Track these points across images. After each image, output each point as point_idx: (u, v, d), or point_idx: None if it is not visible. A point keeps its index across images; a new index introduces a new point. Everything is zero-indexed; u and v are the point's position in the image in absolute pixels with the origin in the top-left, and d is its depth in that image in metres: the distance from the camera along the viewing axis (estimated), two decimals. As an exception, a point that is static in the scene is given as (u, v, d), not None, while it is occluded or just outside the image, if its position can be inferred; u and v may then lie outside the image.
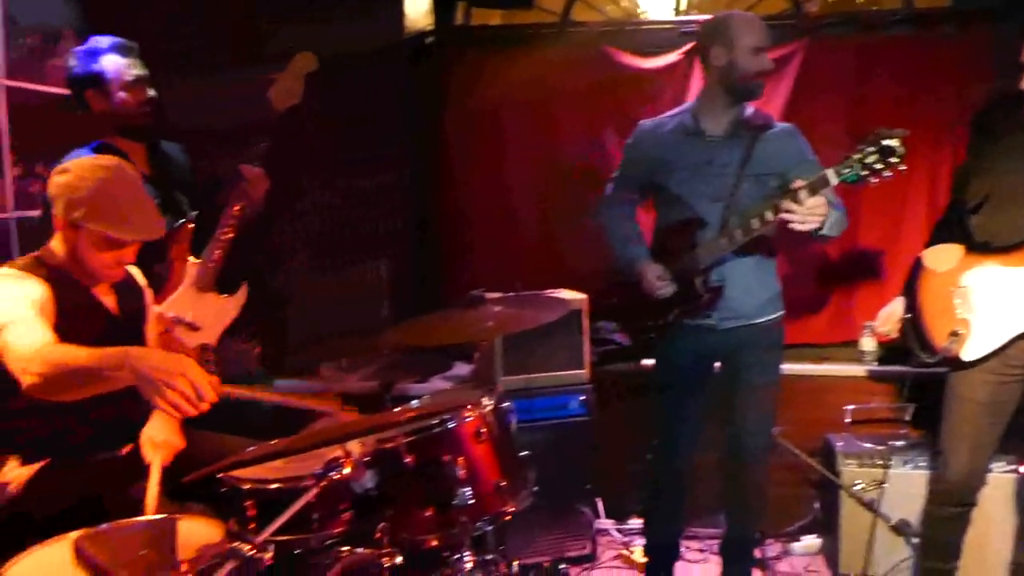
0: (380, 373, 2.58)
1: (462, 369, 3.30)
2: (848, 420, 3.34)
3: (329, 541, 2.05)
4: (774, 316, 2.80)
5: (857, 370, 3.47)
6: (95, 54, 2.71)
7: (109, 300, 2.24)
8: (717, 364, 2.89)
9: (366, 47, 3.08)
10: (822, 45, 3.56)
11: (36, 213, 2.84)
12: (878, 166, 2.41)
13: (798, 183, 2.48)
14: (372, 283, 2.98)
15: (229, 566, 1.49)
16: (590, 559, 3.31)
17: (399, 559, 1.95)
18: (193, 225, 2.85)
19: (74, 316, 2.11)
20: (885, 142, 2.39)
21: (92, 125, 2.76)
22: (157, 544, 1.61)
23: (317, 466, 2.05)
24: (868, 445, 3.16)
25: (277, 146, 2.83)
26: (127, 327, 2.27)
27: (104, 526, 1.80)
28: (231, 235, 2.83)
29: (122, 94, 2.71)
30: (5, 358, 1.95)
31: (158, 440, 2.19)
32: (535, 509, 2.11)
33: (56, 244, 2.17)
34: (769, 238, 2.75)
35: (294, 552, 2.00)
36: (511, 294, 2.54)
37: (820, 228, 2.53)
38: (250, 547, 1.50)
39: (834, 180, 2.45)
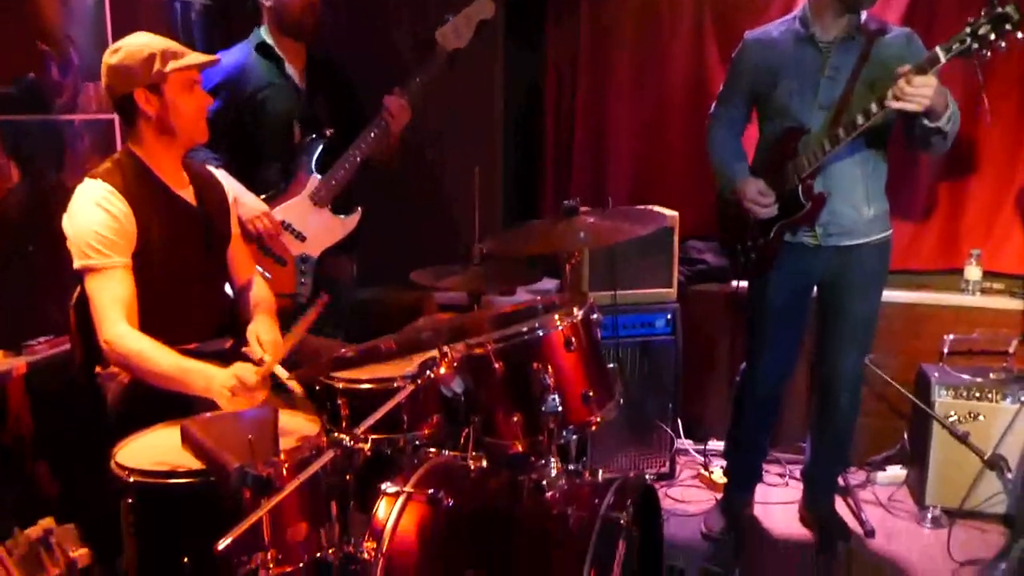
0: (469, 282, 2.60)
1: (549, 284, 3.31)
2: (946, 351, 3.25)
3: (417, 442, 2.13)
4: (881, 236, 2.71)
5: (959, 300, 3.35)
6: None
7: (187, 194, 2.31)
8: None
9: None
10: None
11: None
12: (991, 36, 2.26)
13: (905, 67, 2.36)
14: (464, 192, 2.99)
15: (330, 454, 1.57)
16: (668, 477, 3.36)
17: (484, 462, 2.01)
18: (325, 141, 2.93)
19: (155, 214, 2.19)
20: (999, 10, 2.24)
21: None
22: (260, 432, 1.69)
23: (407, 369, 2.17)
24: (966, 377, 3.09)
25: (428, 84, 2.91)
26: (208, 220, 2.35)
27: (210, 414, 1.94)
28: (360, 159, 2.91)
29: None
30: (90, 305, 2.11)
31: (265, 338, 2.29)
32: (616, 424, 2.14)
33: (132, 142, 2.24)
34: (879, 149, 2.66)
35: (384, 451, 2.09)
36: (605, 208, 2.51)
37: (937, 117, 2.40)
38: (350, 437, 1.55)
39: (944, 56, 2.31)
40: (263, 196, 2.87)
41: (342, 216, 2.98)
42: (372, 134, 2.89)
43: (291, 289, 2.90)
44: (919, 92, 2.33)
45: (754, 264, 2.82)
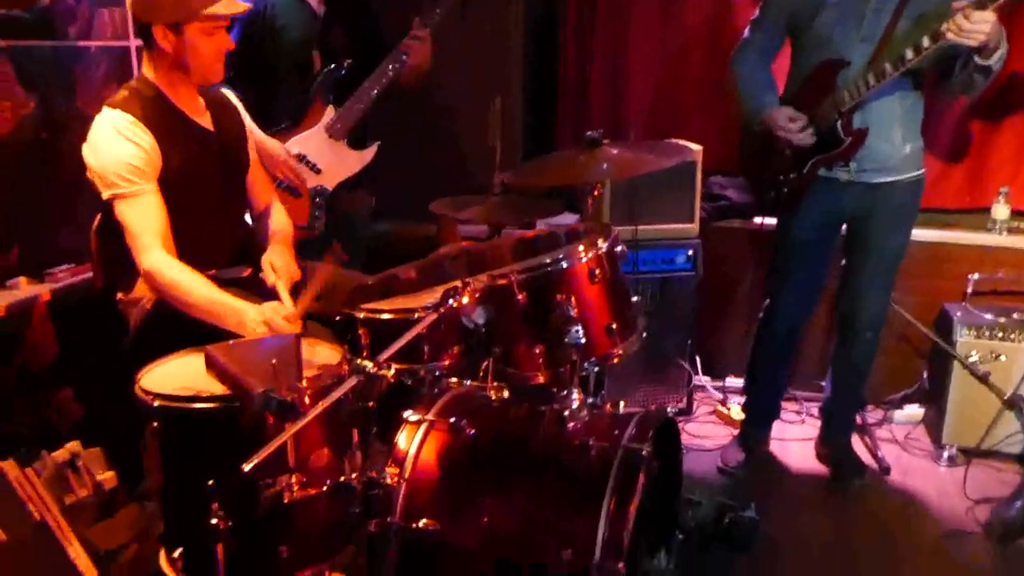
0: (489, 214, 2.59)
1: (570, 219, 3.29)
2: (969, 290, 3.23)
3: (437, 373, 2.12)
4: (915, 174, 2.67)
5: (984, 239, 3.30)
6: None
7: (204, 120, 2.29)
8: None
9: None
10: None
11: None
12: None
13: (962, 2, 2.29)
14: (483, 124, 2.96)
15: (353, 381, 1.58)
16: (685, 413, 3.38)
17: (505, 393, 2.00)
18: (344, 72, 2.90)
19: (175, 142, 2.18)
20: None
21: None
22: (283, 358, 1.71)
23: (428, 299, 2.15)
24: (988, 317, 3.07)
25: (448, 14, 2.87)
26: (225, 144, 2.34)
27: (234, 340, 1.96)
28: (377, 92, 2.87)
29: None
30: (126, 233, 2.12)
31: (278, 264, 2.29)
32: (634, 360, 2.14)
33: (148, 69, 2.21)
34: (917, 86, 2.60)
35: (404, 381, 2.09)
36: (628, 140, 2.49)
37: (989, 55, 2.34)
38: (374, 365, 1.56)
39: None
40: (279, 127, 2.84)
41: (358, 149, 2.95)
42: (391, 67, 2.85)
43: (304, 221, 2.90)
44: (977, 28, 2.26)
45: (785, 199, 2.78)
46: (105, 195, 2.12)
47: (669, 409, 3.33)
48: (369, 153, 2.98)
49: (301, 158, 2.86)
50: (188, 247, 2.19)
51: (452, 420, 1.83)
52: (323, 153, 2.90)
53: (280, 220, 2.49)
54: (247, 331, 2.03)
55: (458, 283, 1.88)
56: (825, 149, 2.64)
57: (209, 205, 2.29)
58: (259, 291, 2.27)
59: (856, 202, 2.69)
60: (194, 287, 2.09)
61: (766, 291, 2.99)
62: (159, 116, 2.17)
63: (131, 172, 2.10)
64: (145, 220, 2.11)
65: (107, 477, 2.33)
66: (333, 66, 2.88)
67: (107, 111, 2.14)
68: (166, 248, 2.13)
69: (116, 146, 2.10)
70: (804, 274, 2.84)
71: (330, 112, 2.88)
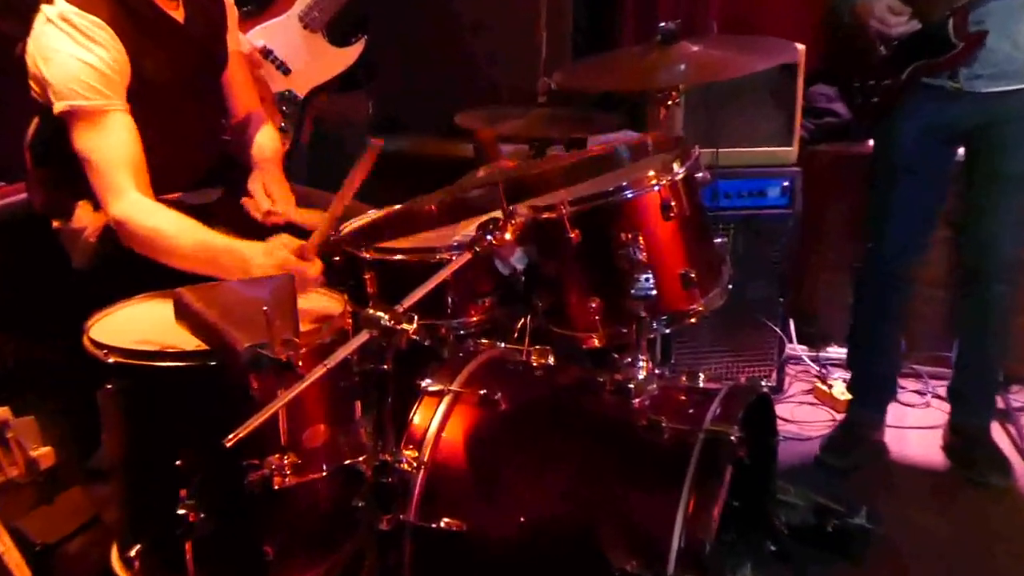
0: (530, 128, 2.57)
1: (631, 137, 3.25)
2: None
3: (463, 331, 2.17)
4: None
5: None
6: None
7: (177, 14, 2.30)
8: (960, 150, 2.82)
9: None
10: None
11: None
12: None
13: None
14: (524, 13, 2.92)
15: (364, 336, 1.57)
16: (776, 391, 3.38)
17: (551, 359, 2.00)
18: None
19: (144, 44, 2.18)
20: None
21: None
22: (275, 304, 1.70)
23: (453, 237, 2.20)
24: None
25: None
26: (200, 38, 2.35)
27: (210, 283, 1.96)
28: None
29: None
30: (88, 169, 2.11)
31: (276, 188, 2.34)
32: (711, 321, 2.15)
33: None
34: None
35: (421, 341, 2.09)
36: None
37: None
38: (390, 316, 1.56)
39: None
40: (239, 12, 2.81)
41: (341, 45, 2.93)
42: None
43: None
44: None
45: (873, 108, 2.79)
46: (58, 108, 2.10)
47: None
48: (354, 51, 2.96)
49: (266, 53, 2.84)
50: (153, 168, 2.19)
51: (482, 391, 1.84)
52: (295, 49, 2.88)
53: (269, 134, 2.51)
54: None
55: (495, 215, 1.87)
56: (929, 52, 2.62)
57: (180, 117, 2.30)
58: (231, 220, 2.28)
59: (969, 117, 2.68)
60: (182, 233, 2.07)
61: (864, 229, 2.99)
62: (127, 13, 2.16)
63: (96, 81, 2.09)
64: (115, 151, 2.10)
65: (44, 453, 2.32)
66: None
67: (61, 4, 2.12)
68: (141, 186, 2.11)
69: (75, 51, 2.09)
70: (907, 202, 2.83)
71: None
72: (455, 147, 3.39)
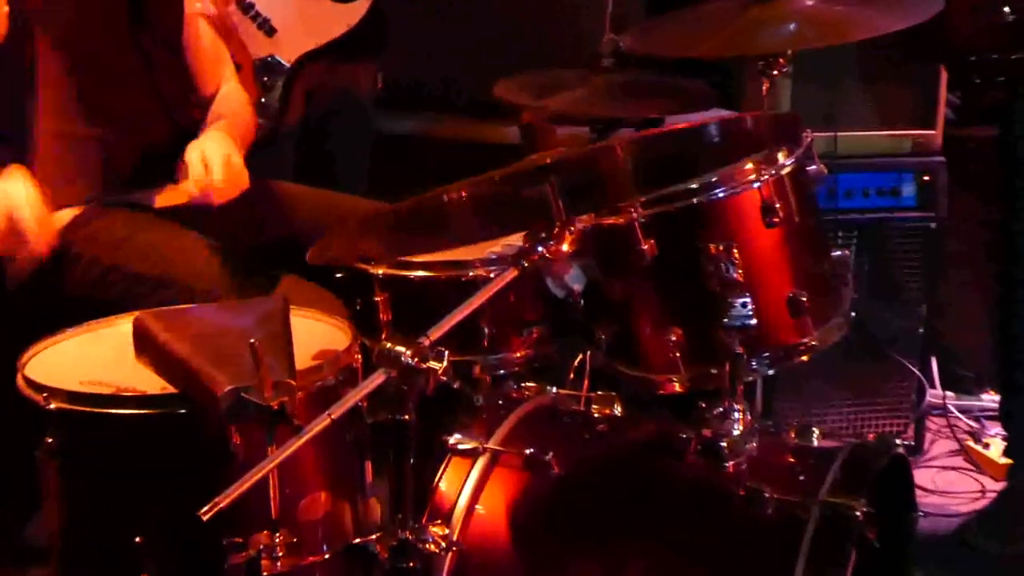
0: (591, 102, 2.59)
1: (724, 117, 3.27)
2: None
3: (504, 372, 2.20)
4: None
5: None
6: None
7: None
8: None
9: None
10: None
11: None
12: None
13: None
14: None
15: (379, 378, 1.60)
16: (914, 452, 3.36)
17: (618, 408, 2.03)
18: None
19: None
20: None
21: None
22: (266, 334, 1.74)
23: (490, 248, 2.23)
24: None
25: None
26: None
27: (180, 307, 2.00)
28: None
29: None
30: None
31: (213, 154, 2.33)
32: (827, 356, 2.13)
33: None
34: None
35: (448, 383, 2.12)
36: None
37: None
38: (413, 351, 1.58)
39: None
40: None
41: (341, 0, 3.00)
42: None
43: None
44: None
45: (996, 90, 2.84)
46: None
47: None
48: (359, 7, 2.99)
49: (246, 8, 2.88)
50: (88, 151, 2.28)
51: (528, 451, 1.87)
52: (282, 2, 2.92)
53: (235, 98, 2.59)
54: None
55: (547, 221, 1.87)
56: None
57: (117, 92, 2.38)
58: (209, 226, 2.35)
59: None
60: None
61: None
62: None
63: None
64: None
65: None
66: None
67: None
68: None
69: None
70: None
71: None
72: (492, 130, 3.41)
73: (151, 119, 2.47)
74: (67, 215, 2.28)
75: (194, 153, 2.34)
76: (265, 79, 2.97)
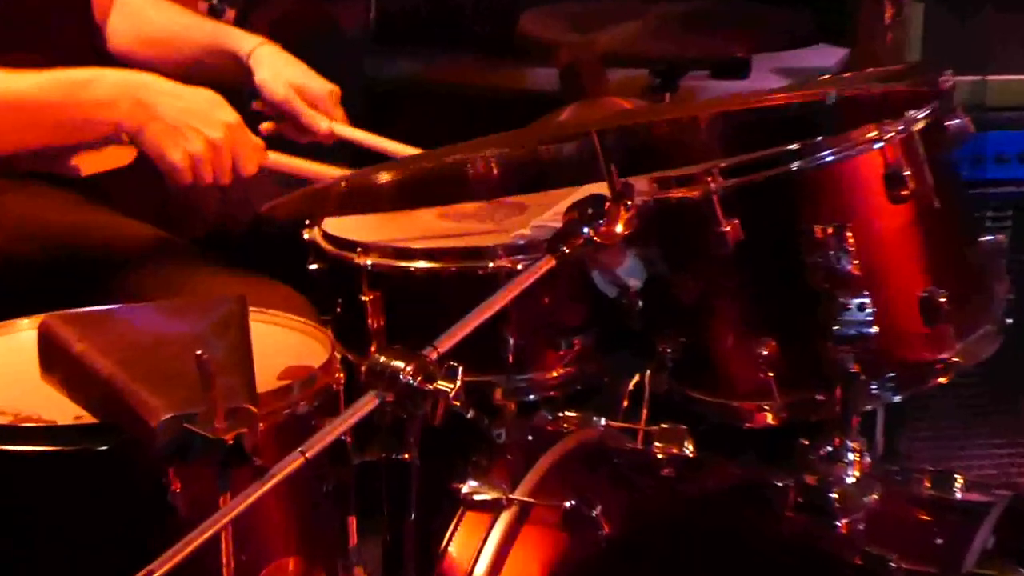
0: (647, 41, 2.55)
1: (829, 58, 3.25)
2: None
3: (535, 396, 2.17)
4: None
5: None
6: None
7: None
8: None
9: None
10: None
11: None
12: None
13: None
14: None
15: (369, 403, 1.53)
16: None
17: (688, 446, 1.99)
18: None
19: None
20: None
21: None
22: (218, 345, 1.67)
23: (520, 229, 2.19)
24: None
25: None
26: None
27: (102, 309, 1.95)
28: None
29: None
30: None
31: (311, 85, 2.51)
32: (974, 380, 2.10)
33: None
34: None
35: (460, 411, 2.06)
36: None
37: None
38: (414, 367, 1.50)
39: None
40: None
41: None
42: None
43: None
44: None
45: None
46: None
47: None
48: None
49: None
50: None
51: (568, 504, 1.85)
52: None
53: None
54: (148, 135, 2.13)
55: (595, 193, 1.84)
56: None
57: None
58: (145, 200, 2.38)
59: None
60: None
61: None
62: None
63: None
64: None
65: None
66: None
67: None
68: None
69: None
70: None
71: None
72: (520, 74, 3.41)
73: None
74: None
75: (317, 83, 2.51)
76: (213, 2, 2.99)
